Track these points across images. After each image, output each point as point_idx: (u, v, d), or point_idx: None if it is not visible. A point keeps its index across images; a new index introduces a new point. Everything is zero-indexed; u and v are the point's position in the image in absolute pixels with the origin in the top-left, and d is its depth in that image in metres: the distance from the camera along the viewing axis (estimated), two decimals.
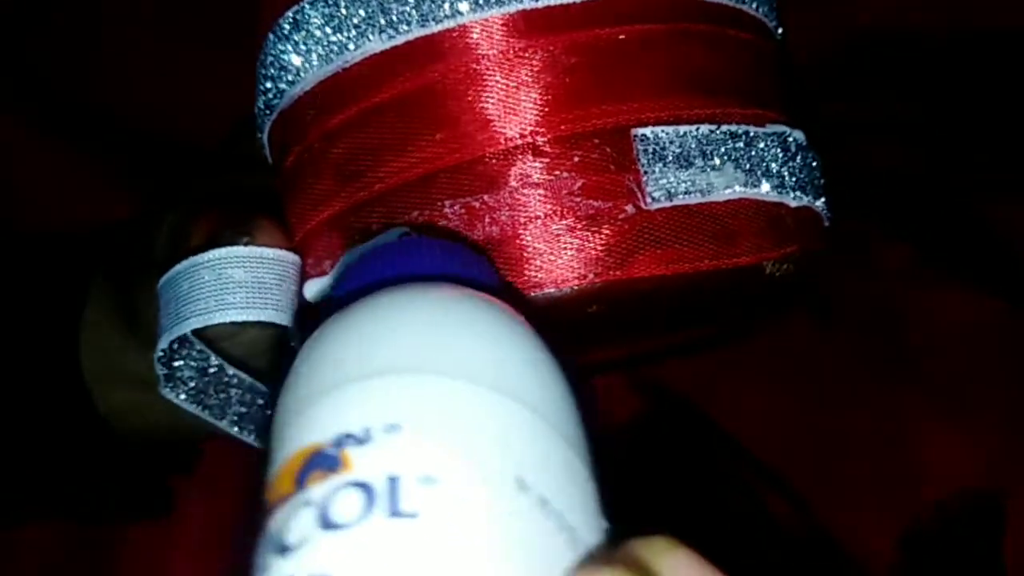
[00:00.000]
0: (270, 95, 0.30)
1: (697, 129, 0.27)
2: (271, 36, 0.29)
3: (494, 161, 0.26)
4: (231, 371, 0.32)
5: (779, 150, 0.28)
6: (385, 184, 0.27)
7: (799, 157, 0.29)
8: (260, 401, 0.33)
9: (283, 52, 0.29)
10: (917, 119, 0.48)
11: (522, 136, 0.26)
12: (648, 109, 0.27)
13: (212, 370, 0.31)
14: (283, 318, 0.29)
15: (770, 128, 0.28)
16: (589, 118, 0.27)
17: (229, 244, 0.29)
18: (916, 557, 0.45)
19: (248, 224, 0.30)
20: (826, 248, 0.30)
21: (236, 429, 0.32)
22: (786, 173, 0.28)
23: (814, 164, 0.29)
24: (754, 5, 0.30)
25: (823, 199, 0.30)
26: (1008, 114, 0.47)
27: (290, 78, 0.29)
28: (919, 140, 0.48)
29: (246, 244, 0.29)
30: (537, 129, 0.26)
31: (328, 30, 0.28)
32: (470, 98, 0.27)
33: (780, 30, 0.32)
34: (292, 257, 0.29)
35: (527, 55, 0.27)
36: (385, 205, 0.27)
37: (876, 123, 0.48)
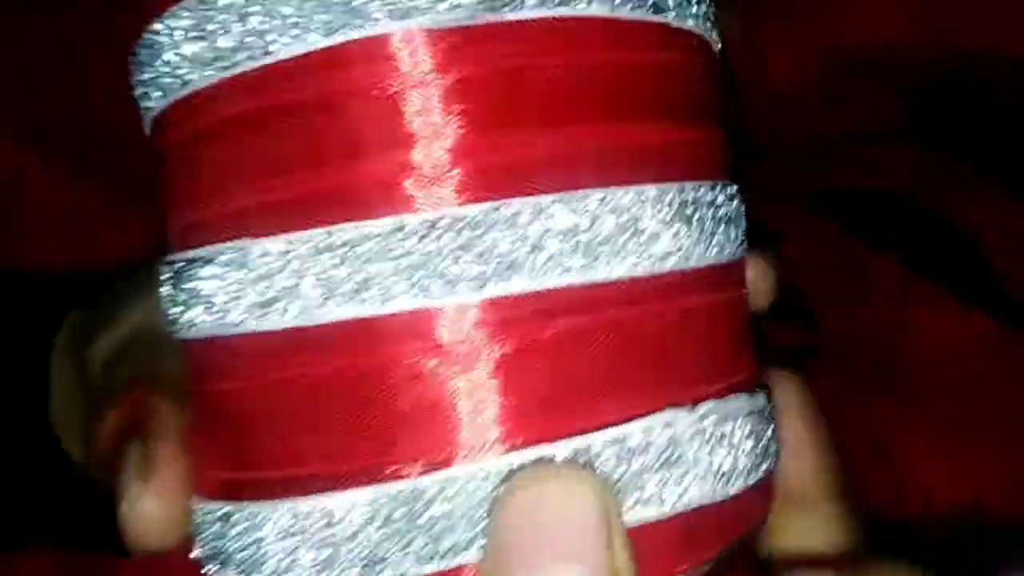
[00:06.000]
0: None
1: (647, 437, 0.23)
2: None
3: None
4: None
5: (722, 442, 0.24)
6: None
7: (753, 436, 0.25)
8: None
9: None
10: (904, 134, 0.45)
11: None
12: (596, 415, 0.23)
13: None
14: None
15: (731, 401, 0.25)
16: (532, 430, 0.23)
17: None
18: None
19: (151, 454, 0.28)
20: (770, 503, 0.27)
21: None
22: (737, 459, 0.25)
23: (770, 431, 0.26)
24: (714, 260, 0.25)
25: (774, 454, 0.27)
26: (996, 130, 0.44)
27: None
28: (906, 155, 0.45)
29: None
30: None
31: None
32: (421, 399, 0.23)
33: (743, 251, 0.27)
34: None
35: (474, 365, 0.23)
36: None
37: (863, 138, 0.45)
